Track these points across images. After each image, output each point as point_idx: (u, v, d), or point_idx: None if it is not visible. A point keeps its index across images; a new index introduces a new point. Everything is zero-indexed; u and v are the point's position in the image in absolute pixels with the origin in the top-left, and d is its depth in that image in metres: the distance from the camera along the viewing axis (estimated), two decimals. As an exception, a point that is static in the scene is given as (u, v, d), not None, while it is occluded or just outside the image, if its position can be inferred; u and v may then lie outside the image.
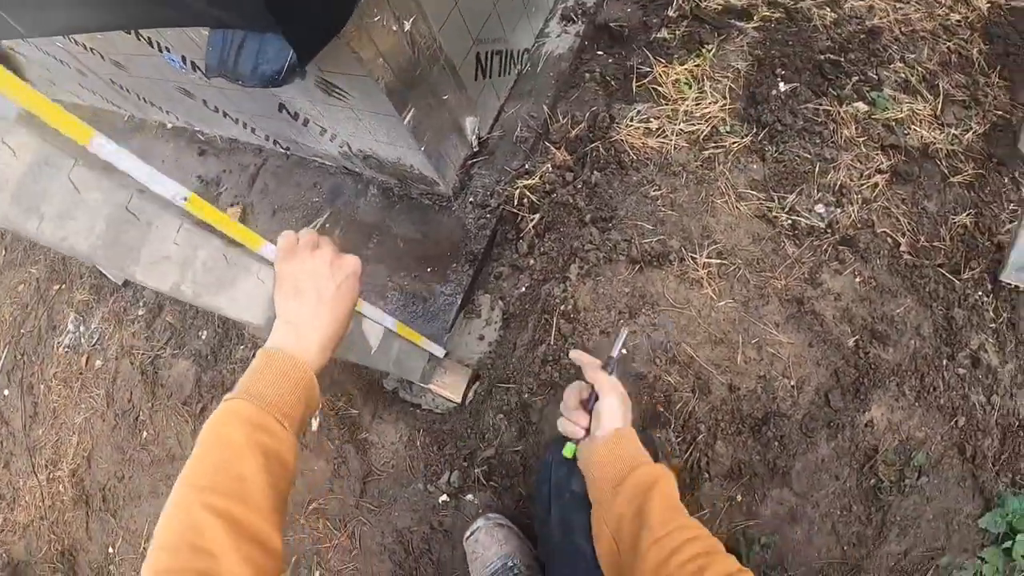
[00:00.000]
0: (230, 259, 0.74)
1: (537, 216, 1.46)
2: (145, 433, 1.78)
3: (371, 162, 1.56)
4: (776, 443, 1.18)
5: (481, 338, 1.45)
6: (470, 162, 1.53)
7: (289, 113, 1.49)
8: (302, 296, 0.73)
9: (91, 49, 1.67)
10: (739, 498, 1.17)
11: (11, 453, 2.02)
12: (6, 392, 2.13)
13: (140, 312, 1.96)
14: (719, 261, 1.32)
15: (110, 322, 2.00)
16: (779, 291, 1.29)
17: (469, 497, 1.28)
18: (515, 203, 1.47)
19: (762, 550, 1.13)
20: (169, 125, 2.20)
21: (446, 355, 1.35)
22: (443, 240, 1.51)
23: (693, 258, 1.33)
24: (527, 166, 1.50)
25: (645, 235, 1.38)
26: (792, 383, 1.22)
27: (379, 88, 1.12)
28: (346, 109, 1.29)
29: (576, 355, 0.92)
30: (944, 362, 1.20)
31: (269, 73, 0.86)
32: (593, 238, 1.39)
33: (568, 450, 0.88)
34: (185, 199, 0.64)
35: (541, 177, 1.47)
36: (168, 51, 1.34)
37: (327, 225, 1.70)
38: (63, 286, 2.20)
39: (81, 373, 1.98)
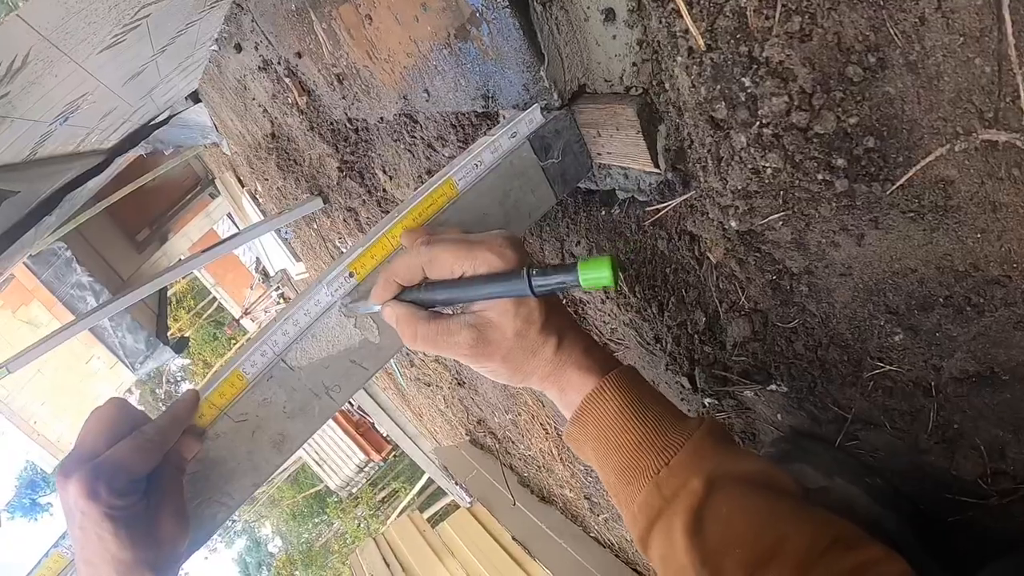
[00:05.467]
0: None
1: None
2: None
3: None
4: None
5: (612, 35, 0.63)
6: None
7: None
8: None
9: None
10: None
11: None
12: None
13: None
14: None
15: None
16: None
17: (748, 394, 0.62)
18: None
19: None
20: (213, 47, 1.85)
21: (565, 106, 0.65)
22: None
23: None
24: None
25: None
26: None
27: None
28: None
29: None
30: None
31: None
32: None
33: None
34: (352, 275, 0.57)
35: None
36: None
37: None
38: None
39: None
